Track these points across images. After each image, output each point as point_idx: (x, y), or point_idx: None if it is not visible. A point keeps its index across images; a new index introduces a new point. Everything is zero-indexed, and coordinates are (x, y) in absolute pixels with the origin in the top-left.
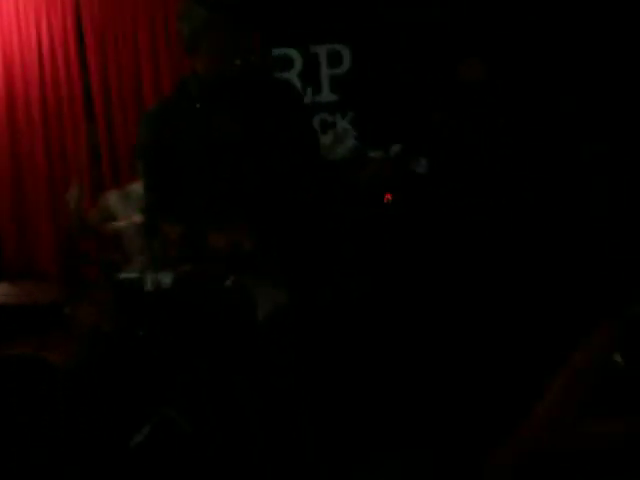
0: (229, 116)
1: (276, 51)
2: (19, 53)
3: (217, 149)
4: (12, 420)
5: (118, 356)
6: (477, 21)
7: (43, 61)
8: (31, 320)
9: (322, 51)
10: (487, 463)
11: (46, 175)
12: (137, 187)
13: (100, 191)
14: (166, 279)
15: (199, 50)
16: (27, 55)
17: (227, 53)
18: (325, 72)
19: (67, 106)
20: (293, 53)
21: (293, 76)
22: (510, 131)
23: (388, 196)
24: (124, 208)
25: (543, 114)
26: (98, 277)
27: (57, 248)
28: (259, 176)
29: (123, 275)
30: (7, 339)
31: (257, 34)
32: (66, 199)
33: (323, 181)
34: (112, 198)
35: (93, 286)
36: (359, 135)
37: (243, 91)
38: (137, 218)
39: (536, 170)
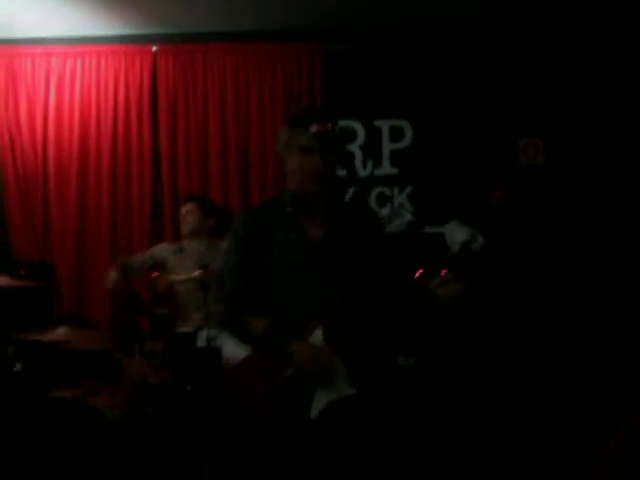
0: (313, 224)
1: (341, 123)
2: (96, 109)
3: (302, 251)
4: (58, 464)
5: (165, 409)
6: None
7: (117, 118)
8: (82, 365)
9: (385, 125)
10: (597, 456)
11: (109, 229)
12: (191, 244)
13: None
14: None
15: (288, 165)
16: (103, 112)
17: (304, 172)
18: (386, 146)
19: (136, 163)
20: (357, 126)
21: (355, 148)
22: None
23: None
24: (178, 262)
25: (602, 201)
26: (150, 329)
27: (112, 298)
28: (340, 281)
29: (177, 329)
30: (57, 381)
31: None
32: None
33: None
34: (166, 250)
35: (145, 338)
36: (416, 210)
37: (327, 204)
38: (194, 274)
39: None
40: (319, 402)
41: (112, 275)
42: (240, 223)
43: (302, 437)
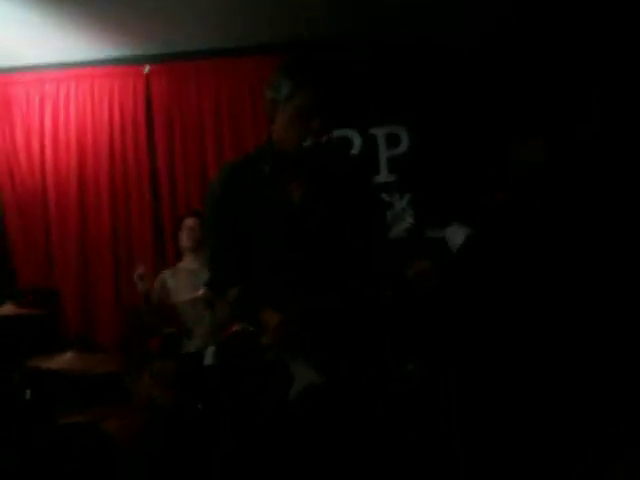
0: (295, 184)
1: (336, 132)
2: (91, 132)
3: (279, 215)
4: None
5: (175, 429)
6: (537, 101)
7: (114, 140)
8: (91, 390)
9: (380, 133)
10: None
11: (111, 251)
12: (185, 263)
13: (164, 266)
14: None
15: (276, 120)
16: (99, 134)
17: (299, 129)
18: (383, 153)
19: (134, 184)
20: (352, 134)
21: None
22: (573, 213)
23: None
24: (175, 284)
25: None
26: (158, 350)
27: (119, 321)
28: (318, 247)
29: (184, 349)
30: (66, 407)
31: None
32: (135, 278)
33: (384, 263)
34: (164, 277)
35: (153, 359)
36: (417, 215)
37: (313, 162)
38: (189, 293)
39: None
40: (298, 383)
41: (139, 274)
42: (216, 182)
43: (279, 418)
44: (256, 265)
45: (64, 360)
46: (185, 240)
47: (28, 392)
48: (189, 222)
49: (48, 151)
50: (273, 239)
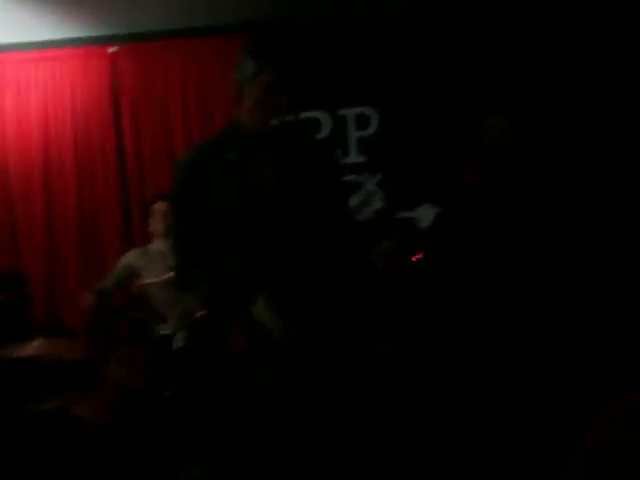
0: (261, 168)
1: (305, 114)
2: (54, 115)
3: (246, 200)
4: (41, 474)
5: (145, 414)
6: (505, 79)
7: (77, 122)
8: (61, 376)
9: (350, 114)
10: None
11: (78, 233)
12: (157, 245)
13: (131, 247)
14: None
15: (243, 101)
16: (62, 117)
17: (266, 109)
18: (353, 134)
19: (100, 167)
20: (321, 116)
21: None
22: (536, 190)
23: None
24: (146, 265)
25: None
26: (128, 334)
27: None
28: (285, 230)
29: (157, 333)
30: (37, 394)
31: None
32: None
33: (350, 243)
34: (133, 256)
35: (123, 343)
36: (386, 196)
37: (278, 146)
38: (161, 275)
39: (565, 232)
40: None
41: (89, 302)
42: (182, 164)
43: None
44: (220, 249)
45: (33, 347)
46: (156, 225)
47: None
48: (159, 206)
49: (10, 135)
50: (240, 223)
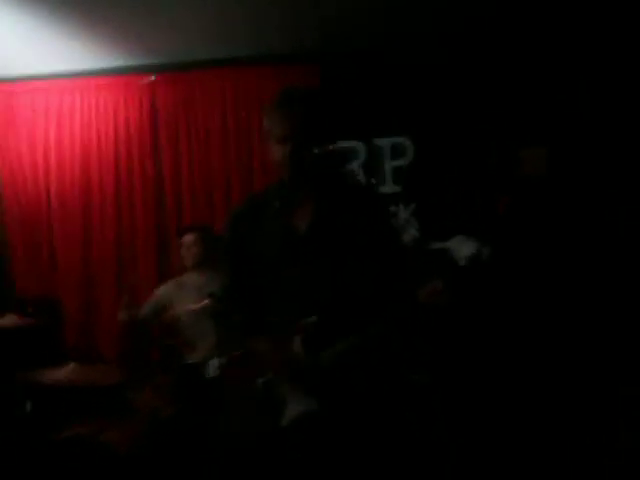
0: (301, 213)
1: (341, 143)
2: (96, 142)
3: (282, 245)
4: None
5: (175, 442)
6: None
7: (119, 150)
8: (92, 402)
9: (386, 144)
10: None
11: (115, 260)
12: (190, 277)
13: (168, 275)
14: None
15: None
16: (104, 144)
17: (280, 168)
18: (388, 164)
19: (139, 194)
20: (358, 145)
21: (357, 167)
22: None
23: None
24: (178, 296)
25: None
26: (160, 362)
27: (120, 333)
28: (327, 278)
29: (185, 361)
30: (68, 419)
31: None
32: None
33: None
34: (168, 287)
35: (155, 371)
36: (421, 227)
37: (318, 192)
38: (193, 306)
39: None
40: (292, 410)
41: (125, 329)
42: (230, 216)
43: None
44: (260, 294)
45: (66, 372)
46: (187, 259)
47: (29, 404)
48: (187, 239)
49: (52, 161)
50: (276, 267)
